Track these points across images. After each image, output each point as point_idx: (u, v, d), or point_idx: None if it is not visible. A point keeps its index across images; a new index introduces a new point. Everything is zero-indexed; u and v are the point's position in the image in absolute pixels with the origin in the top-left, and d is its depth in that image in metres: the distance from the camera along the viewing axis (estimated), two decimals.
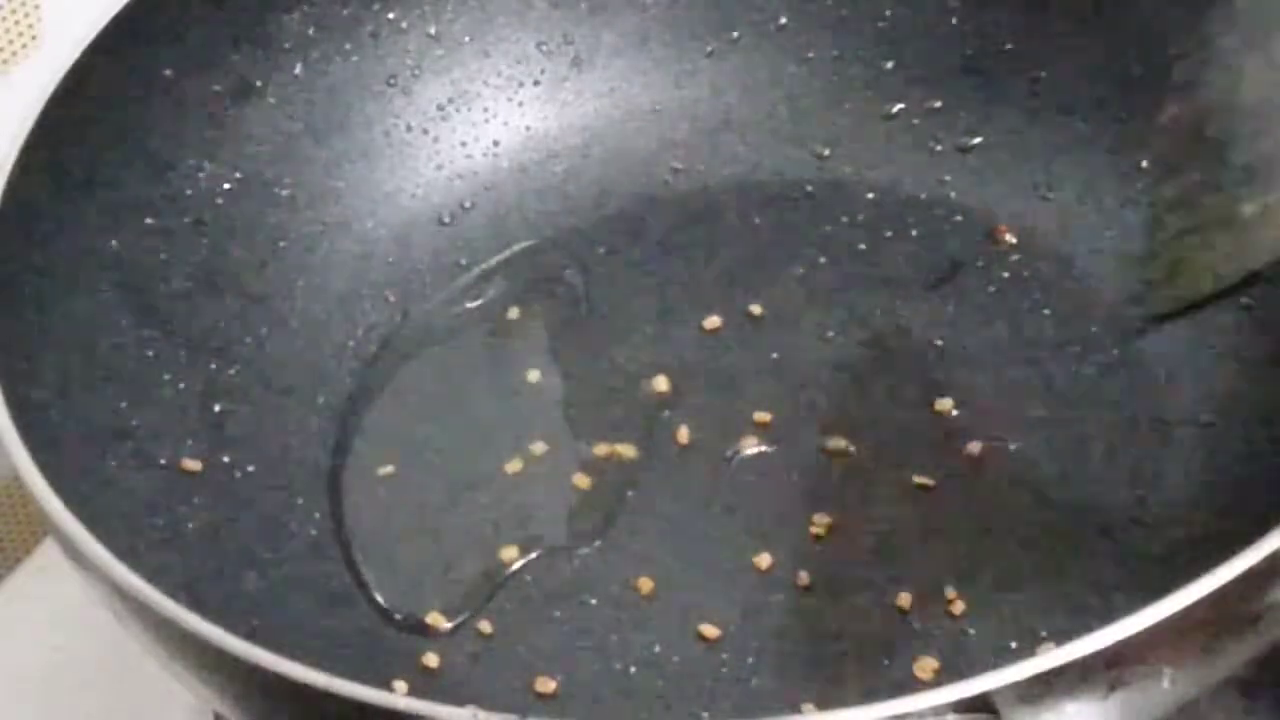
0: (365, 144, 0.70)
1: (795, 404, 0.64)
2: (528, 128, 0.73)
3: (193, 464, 0.61)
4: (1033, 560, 0.58)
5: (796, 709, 0.55)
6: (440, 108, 0.72)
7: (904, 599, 0.58)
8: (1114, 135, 0.68)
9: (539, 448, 0.64)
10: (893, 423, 0.63)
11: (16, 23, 0.67)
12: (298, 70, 0.69)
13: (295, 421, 0.65)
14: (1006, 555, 0.59)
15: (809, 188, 0.71)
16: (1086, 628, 0.44)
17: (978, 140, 0.71)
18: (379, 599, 0.60)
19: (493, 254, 0.70)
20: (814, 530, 0.60)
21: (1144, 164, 0.66)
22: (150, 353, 0.63)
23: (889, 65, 0.72)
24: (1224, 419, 0.61)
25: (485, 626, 0.59)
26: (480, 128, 0.72)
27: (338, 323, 0.68)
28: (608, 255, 0.70)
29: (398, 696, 0.48)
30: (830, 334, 0.66)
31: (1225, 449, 0.60)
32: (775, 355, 0.66)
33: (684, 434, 0.64)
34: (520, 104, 0.73)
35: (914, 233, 0.69)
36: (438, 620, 0.59)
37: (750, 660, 0.57)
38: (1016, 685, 0.43)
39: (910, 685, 0.55)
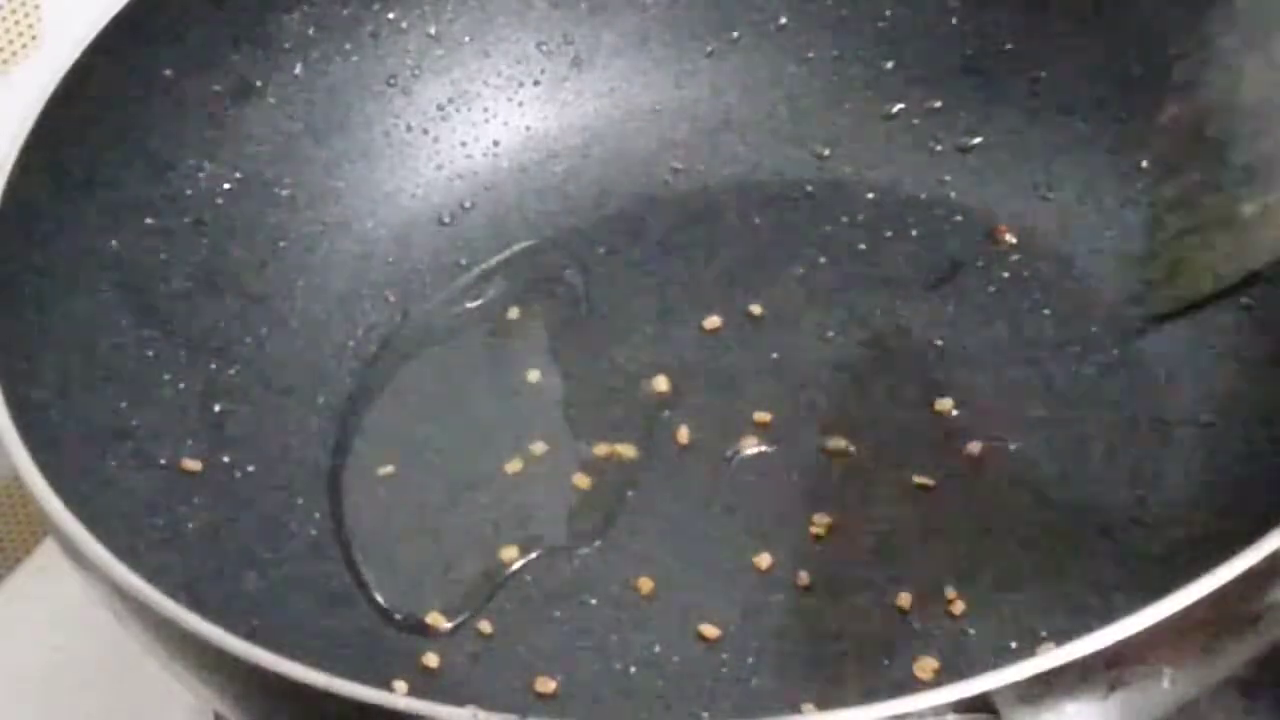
0: (365, 144, 0.70)
1: (795, 404, 0.64)
2: (528, 128, 0.73)
3: (193, 464, 0.61)
4: (1033, 560, 0.58)
5: (796, 709, 0.55)
6: (440, 108, 0.72)
7: (904, 599, 0.58)
8: (1114, 135, 0.68)
9: (539, 448, 0.64)
10: (893, 423, 0.63)
11: (16, 23, 0.67)
12: (298, 70, 0.69)
13: (295, 421, 0.65)
14: (1006, 555, 0.59)
15: (809, 188, 0.71)
16: (1086, 628, 0.44)
17: (978, 140, 0.71)
18: (379, 599, 0.60)
19: (493, 254, 0.70)
20: (814, 530, 0.60)
21: (1144, 164, 0.66)
22: (150, 353, 0.63)
23: (889, 65, 0.72)
24: (1224, 419, 0.61)
25: (485, 626, 0.59)
26: (480, 128, 0.72)
27: (338, 323, 0.68)
28: (608, 255, 0.70)
29: (398, 696, 0.48)
30: (830, 334, 0.66)
31: (1225, 449, 0.60)
32: (775, 355, 0.66)
33: (684, 434, 0.64)
34: (520, 104, 0.73)
35: (914, 233, 0.69)
36: (438, 620, 0.59)
37: (750, 660, 0.57)
38: (1016, 685, 0.43)
39: (910, 685, 0.55)
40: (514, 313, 0.68)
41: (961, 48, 0.71)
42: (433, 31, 0.72)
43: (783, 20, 0.73)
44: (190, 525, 0.59)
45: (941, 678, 0.55)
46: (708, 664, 0.57)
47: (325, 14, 0.70)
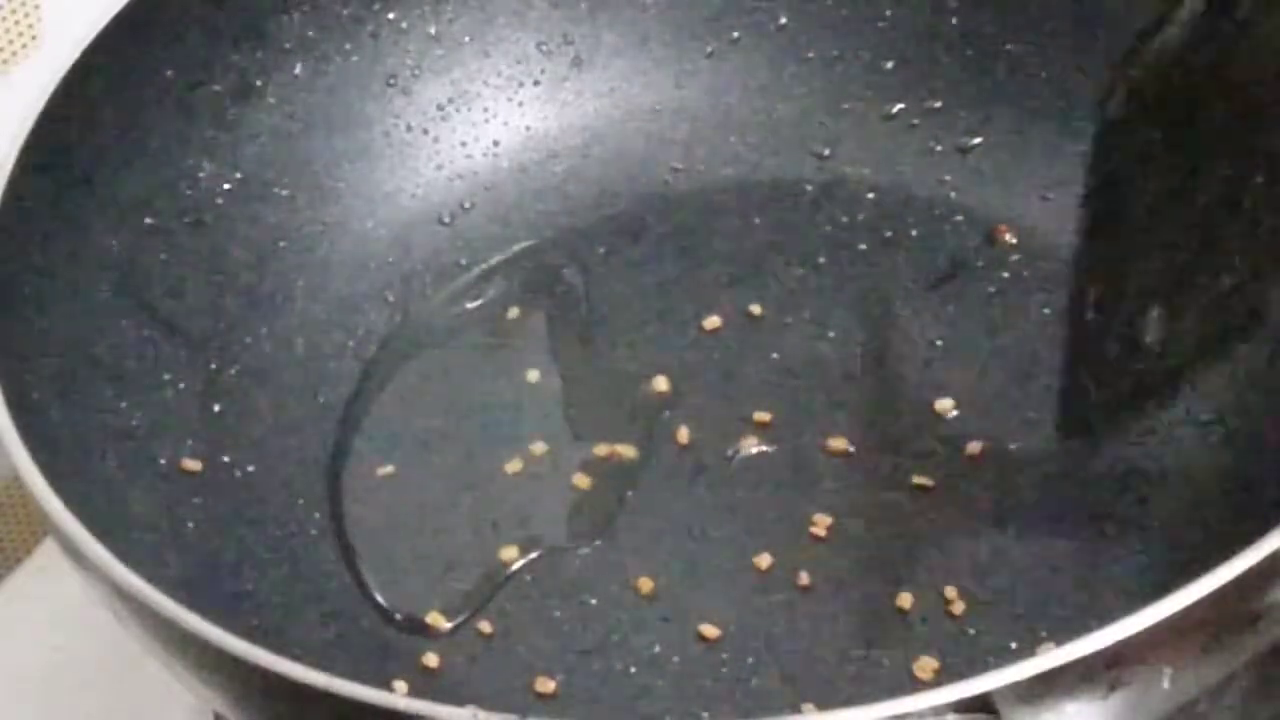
0: (365, 144, 0.70)
1: (795, 404, 0.64)
2: (528, 128, 0.73)
3: (193, 464, 0.61)
4: (1033, 560, 0.58)
5: (796, 709, 0.55)
6: (440, 108, 0.72)
7: (904, 599, 0.58)
8: None
9: (539, 448, 0.64)
10: (893, 423, 0.63)
11: (16, 23, 0.67)
12: (298, 70, 0.69)
13: (295, 421, 0.65)
14: (1006, 555, 0.59)
15: (809, 188, 0.71)
16: (1086, 628, 0.44)
17: (978, 140, 0.71)
18: (379, 599, 0.60)
19: (493, 254, 0.70)
20: (814, 530, 0.60)
21: None
22: (150, 353, 0.63)
23: (889, 65, 0.72)
24: (1224, 419, 0.61)
25: (485, 626, 0.59)
26: (480, 128, 0.72)
27: (338, 322, 0.68)
28: (608, 255, 0.70)
29: (398, 696, 0.48)
30: (830, 334, 0.66)
31: (1226, 449, 0.60)
32: (775, 355, 0.66)
33: (684, 434, 0.64)
34: (520, 104, 0.73)
35: (914, 233, 0.69)
36: (438, 620, 0.59)
37: (750, 660, 0.57)
38: (1016, 685, 0.43)
39: (910, 685, 0.55)
40: (514, 313, 0.68)
41: (961, 48, 0.71)
42: (433, 31, 0.72)
43: (783, 20, 0.73)
44: (190, 525, 0.59)
45: (941, 678, 0.55)
46: (708, 664, 0.57)
47: (325, 14, 0.70)
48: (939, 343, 0.65)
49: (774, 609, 0.58)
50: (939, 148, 0.71)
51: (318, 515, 0.62)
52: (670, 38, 0.73)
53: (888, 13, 0.72)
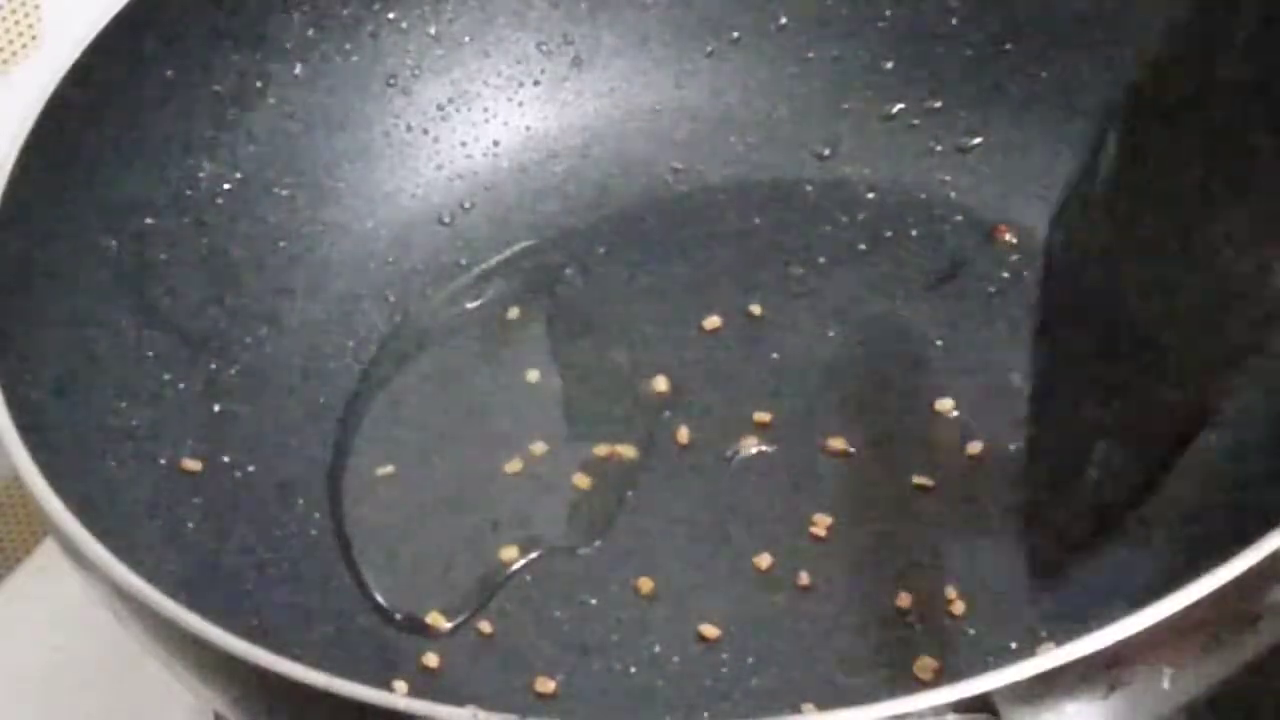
0: (365, 144, 0.71)
1: (795, 404, 0.64)
2: (528, 128, 0.73)
3: (193, 464, 0.61)
4: (1033, 560, 0.58)
5: (796, 709, 0.55)
6: (440, 108, 0.72)
7: (904, 599, 0.58)
8: None
9: (539, 448, 0.64)
10: (893, 423, 0.63)
11: (16, 23, 0.67)
12: (298, 70, 0.69)
13: (295, 421, 0.65)
14: (1006, 555, 0.59)
15: (809, 188, 0.71)
16: (1086, 628, 0.44)
17: (978, 140, 0.71)
18: (379, 599, 0.60)
19: (493, 254, 0.70)
20: (814, 530, 0.60)
21: None
22: (150, 353, 0.63)
23: (889, 65, 0.72)
24: (1224, 419, 0.61)
25: (485, 626, 0.59)
26: (480, 128, 0.72)
27: (337, 322, 0.68)
28: (608, 255, 0.70)
29: (398, 696, 0.48)
30: (830, 334, 0.66)
31: (1226, 449, 0.60)
32: (775, 355, 0.66)
33: (684, 434, 0.64)
34: (520, 104, 0.73)
35: (914, 233, 0.69)
36: (438, 620, 0.59)
37: (750, 660, 0.57)
38: (1016, 685, 0.43)
39: (910, 685, 0.55)
40: (514, 313, 0.68)
41: (961, 48, 0.72)
42: (433, 31, 0.72)
43: (783, 20, 0.73)
44: (190, 525, 0.59)
45: (941, 678, 0.55)
46: (708, 664, 0.57)
47: (325, 14, 0.70)
48: (939, 343, 0.65)
49: (774, 609, 0.58)
50: (939, 148, 0.71)
51: (318, 515, 0.62)
52: (670, 38, 0.73)
53: (888, 13, 0.72)
